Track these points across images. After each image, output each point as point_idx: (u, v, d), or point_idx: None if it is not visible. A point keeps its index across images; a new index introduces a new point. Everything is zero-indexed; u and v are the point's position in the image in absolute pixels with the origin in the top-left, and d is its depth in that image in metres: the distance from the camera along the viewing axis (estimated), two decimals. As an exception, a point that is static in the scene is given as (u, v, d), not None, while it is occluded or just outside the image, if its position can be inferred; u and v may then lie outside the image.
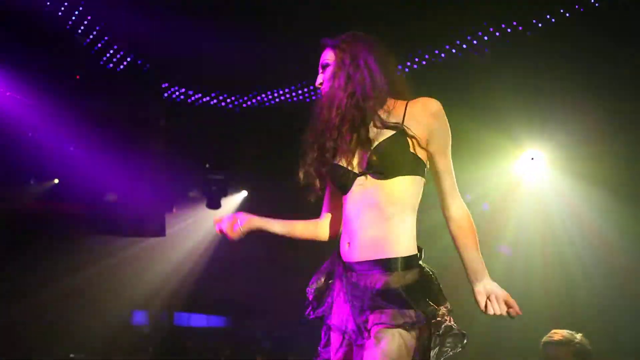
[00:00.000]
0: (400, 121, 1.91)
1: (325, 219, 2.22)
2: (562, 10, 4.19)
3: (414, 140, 1.89)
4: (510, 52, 4.97)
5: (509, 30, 4.73)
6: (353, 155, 1.95)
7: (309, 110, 2.05)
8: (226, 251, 9.25)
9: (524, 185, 6.50)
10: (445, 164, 1.94)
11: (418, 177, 1.93)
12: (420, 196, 1.96)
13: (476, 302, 1.89)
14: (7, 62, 5.03)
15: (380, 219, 1.88)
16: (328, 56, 2.06)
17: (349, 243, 1.94)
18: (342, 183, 1.98)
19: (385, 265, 1.85)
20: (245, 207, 8.86)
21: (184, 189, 7.77)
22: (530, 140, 6.15)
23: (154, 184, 6.15)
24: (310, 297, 2.05)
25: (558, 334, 2.97)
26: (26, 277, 8.14)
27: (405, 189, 1.90)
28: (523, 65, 4.83)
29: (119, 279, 8.88)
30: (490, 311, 1.86)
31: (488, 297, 1.87)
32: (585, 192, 6.10)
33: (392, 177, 1.88)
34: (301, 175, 2.05)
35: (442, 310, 1.84)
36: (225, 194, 7.56)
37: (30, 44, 4.68)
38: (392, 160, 1.88)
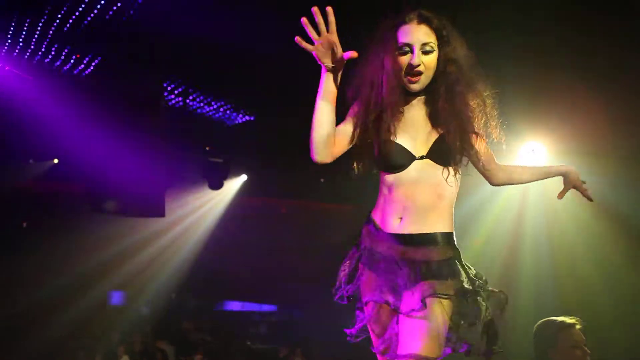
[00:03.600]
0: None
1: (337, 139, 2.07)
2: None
3: (470, 135, 2.07)
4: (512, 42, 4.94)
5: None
6: (415, 139, 2.08)
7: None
8: (226, 233, 9.29)
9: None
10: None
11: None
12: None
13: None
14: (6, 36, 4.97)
15: (435, 198, 2.05)
16: (428, 36, 2.01)
17: (401, 218, 2.05)
18: (401, 163, 2.07)
19: (440, 238, 2.03)
20: (246, 190, 8.90)
21: (183, 171, 7.77)
22: (531, 132, 6.14)
23: (154, 165, 6.13)
24: (343, 280, 2.14)
25: (575, 318, 2.98)
26: (26, 260, 8.17)
27: (455, 177, 2.08)
28: (524, 55, 4.79)
29: (113, 259, 8.93)
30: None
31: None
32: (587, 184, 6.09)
33: (448, 165, 2.05)
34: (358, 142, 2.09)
35: (483, 276, 2.04)
36: (225, 177, 7.57)
37: (31, 17, 4.61)
38: (454, 151, 2.04)
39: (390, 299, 2.01)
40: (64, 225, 8.30)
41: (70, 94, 5.66)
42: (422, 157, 2.05)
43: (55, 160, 7.94)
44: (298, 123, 2.24)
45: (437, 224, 2.04)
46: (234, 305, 11.89)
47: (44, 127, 5.96)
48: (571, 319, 2.95)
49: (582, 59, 4.56)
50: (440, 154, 2.04)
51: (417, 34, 1.99)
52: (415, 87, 2.02)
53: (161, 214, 6.46)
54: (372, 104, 2.04)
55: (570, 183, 2.32)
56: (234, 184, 8.72)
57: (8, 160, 7.60)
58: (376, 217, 2.12)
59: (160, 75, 5.72)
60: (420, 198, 2.04)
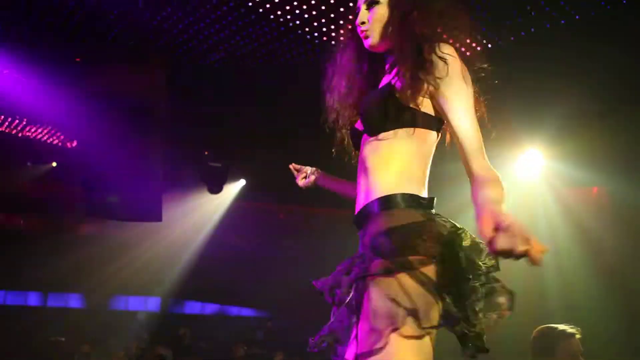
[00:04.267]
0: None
1: None
2: (554, 14, 4.16)
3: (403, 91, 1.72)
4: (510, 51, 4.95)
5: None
6: None
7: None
8: (224, 238, 9.27)
9: (521, 184, 6.52)
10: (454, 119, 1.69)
11: (411, 130, 1.73)
12: (428, 146, 1.78)
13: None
14: (7, 40, 4.96)
15: (378, 162, 1.74)
16: None
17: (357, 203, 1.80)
18: (353, 143, 1.92)
19: (370, 208, 1.70)
20: (244, 195, 8.88)
21: (181, 175, 7.76)
22: (529, 139, 6.15)
23: (151, 169, 6.12)
24: (327, 281, 1.83)
25: (575, 328, 2.96)
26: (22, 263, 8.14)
27: (391, 142, 1.74)
28: (523, 65, 4.80)
29: (111, 264, 8.89)
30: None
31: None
32: (583, 192, 6.12)
33: (377, 133, 1.76)
34: (338, 137, 2.01)
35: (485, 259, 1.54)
36: (224, 182, 7.56)
37: (31, 23, 4.60)
38: (373, 114, 1.77)
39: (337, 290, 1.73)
40: (61, 228, 8.28)
41: (66, 96, 5.65)
42: (362, 132, 1.83)
43: (54, 164, 7.93)
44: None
45: (373, 192, 1.70)
46: (232, 310, 11.86)
47: (43, 130, 5.95)
48: (572, 328, 2.93)
49: (579, 65, 4.56)
50: (366, 111, 1.79)
51: None
52: (367, 42, 1.86)
53: (158, 218, 6.43)
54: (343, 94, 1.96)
55: None
56: (232, 189, 8.71)
57: (7, 162, 7.59)
58: None
59: (158, 79, 5.71)
60: (361, 176, 1.78)
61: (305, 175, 2.40)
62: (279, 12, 4.47)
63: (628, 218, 5.96)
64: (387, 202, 1.67)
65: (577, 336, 2.91)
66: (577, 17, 4.15)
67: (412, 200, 1.68)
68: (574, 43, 4.37)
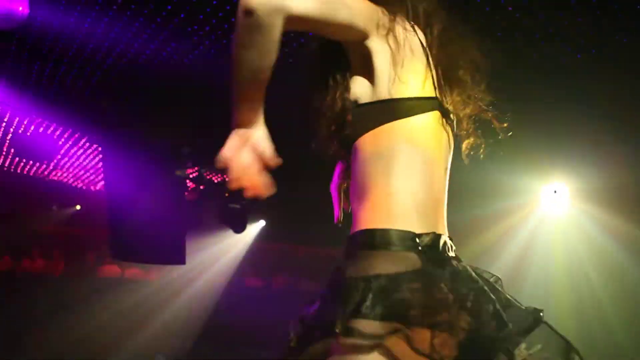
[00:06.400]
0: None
1: None
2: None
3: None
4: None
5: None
6: None
7: None
8: (244, 279, 9.22)
9: (547, 218, 6.43)
10: None
11: (375, 130, 1.28)
12: (402, 144, 1.27)
13: None
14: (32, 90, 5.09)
15: (355, 188, 1.32)
16: None
17: None
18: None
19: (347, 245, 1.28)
20: (264, 235, 8.88)
21: (204, 217, 7.81)
22: (553, 173, 6.09)
23: (174, 212, 6.16)
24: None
25: None
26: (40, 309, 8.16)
27: (361, 155, 1.29)
28: (545, 97, 4.79)
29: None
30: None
31: None
32: (610, 226, 6.01)
33: (346, 146, 1.34)
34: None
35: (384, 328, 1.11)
36: (246, 221, 7.56)
37: (48, 69, 4.72)
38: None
39: None
40: (84, 271, 8.33)
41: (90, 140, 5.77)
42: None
43: (78, 207, 8.05)
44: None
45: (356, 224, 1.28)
46: (251, 354, 11.69)
47: (67, 174, 6.06)
48: None
49: (603, 97, 4.52)
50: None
51: None
52: None
53: (182, 261, 6.44)
54: None
55: None
56: (252, 230, 8.72)
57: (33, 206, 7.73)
58: None
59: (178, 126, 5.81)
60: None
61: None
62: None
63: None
64: (356, 240, 1.26)
65: None
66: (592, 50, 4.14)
67: (382, 235, 1.23)
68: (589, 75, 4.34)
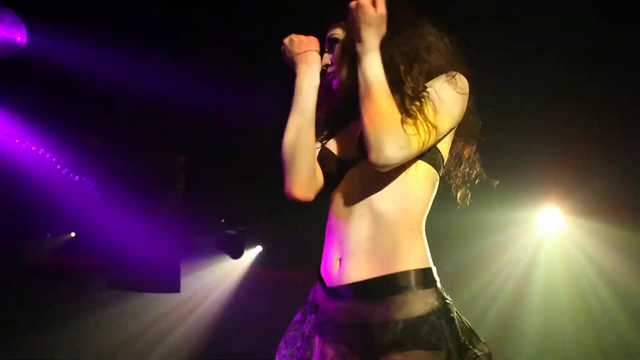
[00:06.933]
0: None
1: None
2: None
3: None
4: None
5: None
6: (343, 139, 1.54)
7: None
8: (240, 306, 9.12)
9: (546, 242, 6.44)
10: None
11: (429, 169, 1.44)
12: (432, 198, 1.47)
13: None
14: (22, 109, 5.07)
15: (380, 221, 1.36)
16: (333, 29, 1.62)
17: (340, 259, 1.39)
18: (328, 171, 1.52)
19: (395, 283, 1.30)
20: (261, 261, 8.80)
21: (199, 245, 7.75)
22: (547, 198, 6.10)
23: (169, 240, 6.12)
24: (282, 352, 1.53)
25: None
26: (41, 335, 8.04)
27: (409, 182, 1.38)
28: (540, 120, 4.81)
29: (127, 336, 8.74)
30: None
31: None
32: (608, 247, 6.03)
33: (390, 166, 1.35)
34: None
35: (478, 353, 1.32)
36: (243, 247, 7.52)
37: (46, 91, 4.72)
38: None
39: None
40: (79, 301, 8.21)
41: (84, 167, 5.75)
42: (354, 160, 1.44)
43: (72, 234, 7.97)
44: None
45: (390, 261, 1.32)
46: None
47: (60, 200, 6.03)
48: None
49: (597, 119, 4.54)
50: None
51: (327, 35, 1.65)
52: (337, 89, 1.59)
53: (176, 289, 6.38)
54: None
55: None
56: (249, 256, 8.64)
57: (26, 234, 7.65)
58: (321, 267, 1.49)
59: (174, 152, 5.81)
60: (359, 224, 1.38)
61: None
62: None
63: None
64: (419, 277, 1.36)
65: None
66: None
67: (433, 274, 1.40)
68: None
